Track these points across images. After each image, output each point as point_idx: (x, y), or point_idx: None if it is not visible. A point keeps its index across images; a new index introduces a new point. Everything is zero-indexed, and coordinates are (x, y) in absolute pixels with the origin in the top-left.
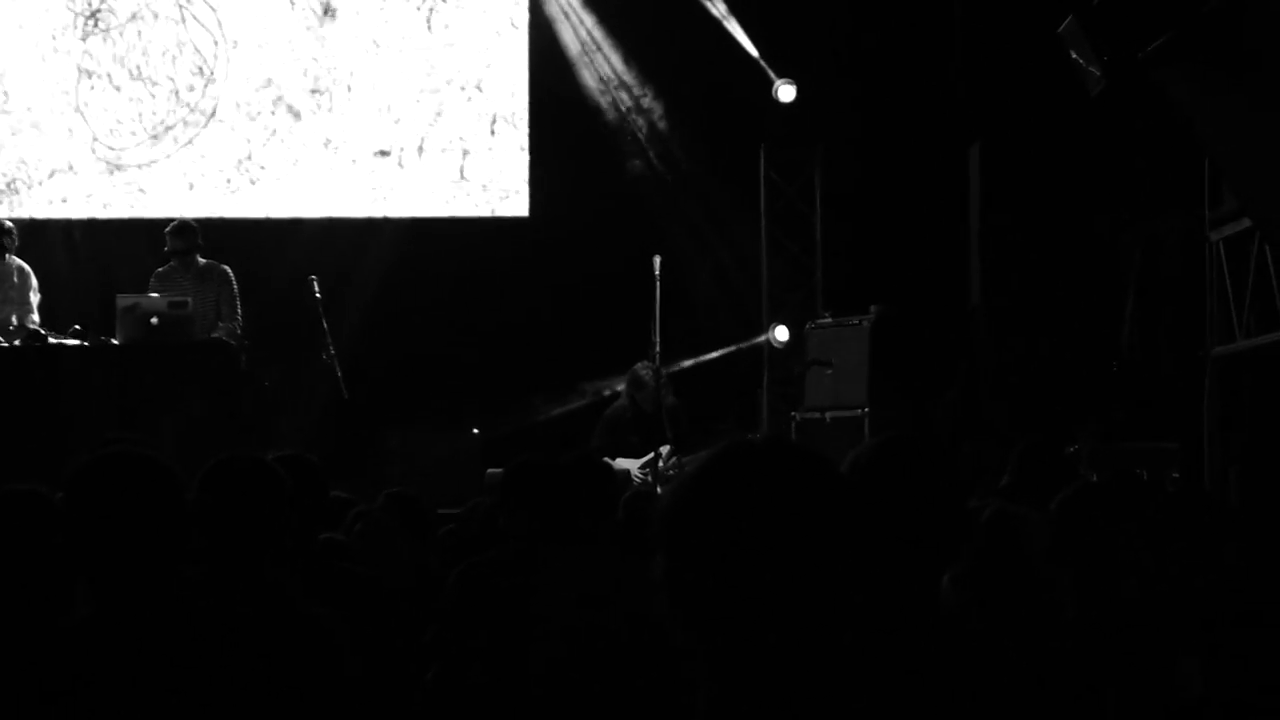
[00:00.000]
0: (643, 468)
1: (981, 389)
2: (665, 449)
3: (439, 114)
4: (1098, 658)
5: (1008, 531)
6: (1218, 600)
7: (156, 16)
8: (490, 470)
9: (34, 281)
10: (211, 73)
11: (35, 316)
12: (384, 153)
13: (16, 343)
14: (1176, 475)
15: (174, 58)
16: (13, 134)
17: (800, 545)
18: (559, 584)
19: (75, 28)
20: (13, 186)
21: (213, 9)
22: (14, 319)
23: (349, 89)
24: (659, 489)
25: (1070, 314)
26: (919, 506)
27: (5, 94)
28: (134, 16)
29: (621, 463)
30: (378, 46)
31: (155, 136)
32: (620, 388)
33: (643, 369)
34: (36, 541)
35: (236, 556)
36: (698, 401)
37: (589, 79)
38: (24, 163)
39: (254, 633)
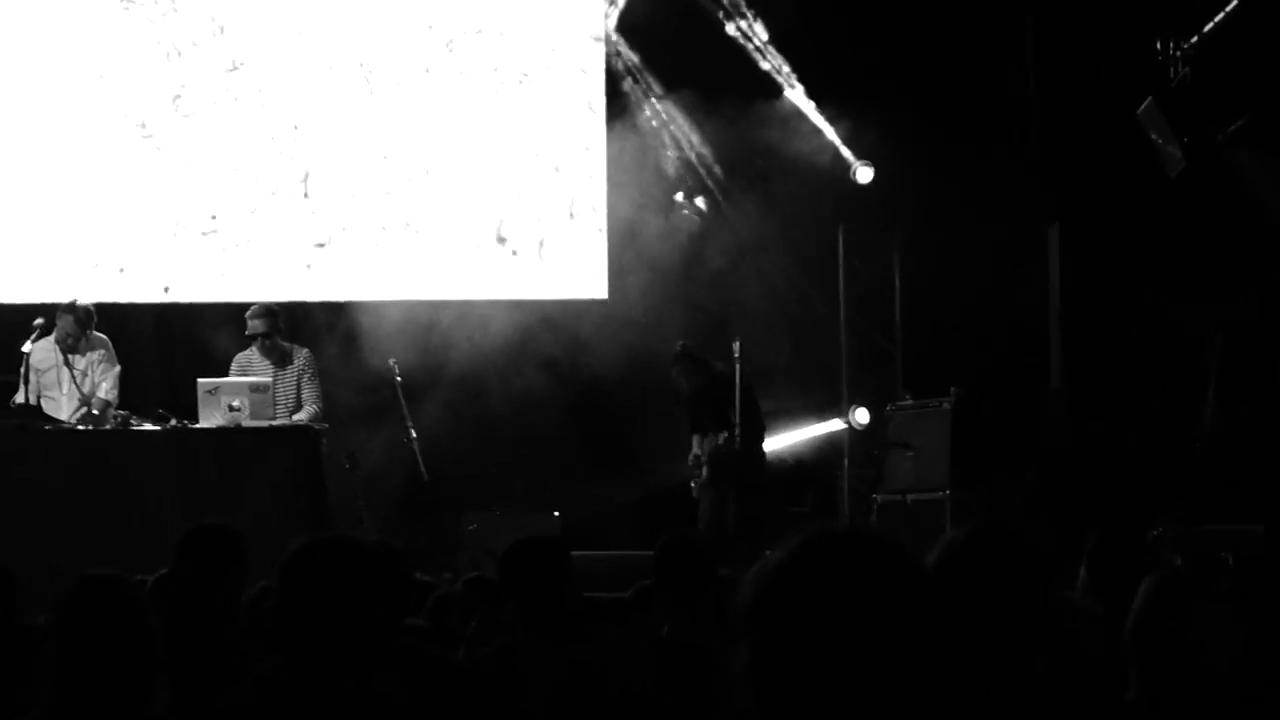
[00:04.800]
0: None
1: (1062, 471)
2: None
3: (519, 197)
4: None
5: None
6: None
7: (236, 100)
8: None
9: (113, 357)
10: (293, 157)
11: (112, 392)
12: (464, 235)
13: (107, 425)
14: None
15: (255, 142)
16: (98, 219)
17: (885, 636)
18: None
19: (160, 112)
20: (98, 271)
21: (293, 93)
22: (98, 394)
23: (428, 172)
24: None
25: (1152, 395)
26: (1009, 595)
27: (94, 180)
28: (214, 103)
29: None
30: (459, 130)
31: (238, 220)
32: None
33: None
34: (121, 628)
35: (319, 641)
36: (777, 483)
37: (666, 161)
38: (108, 247)
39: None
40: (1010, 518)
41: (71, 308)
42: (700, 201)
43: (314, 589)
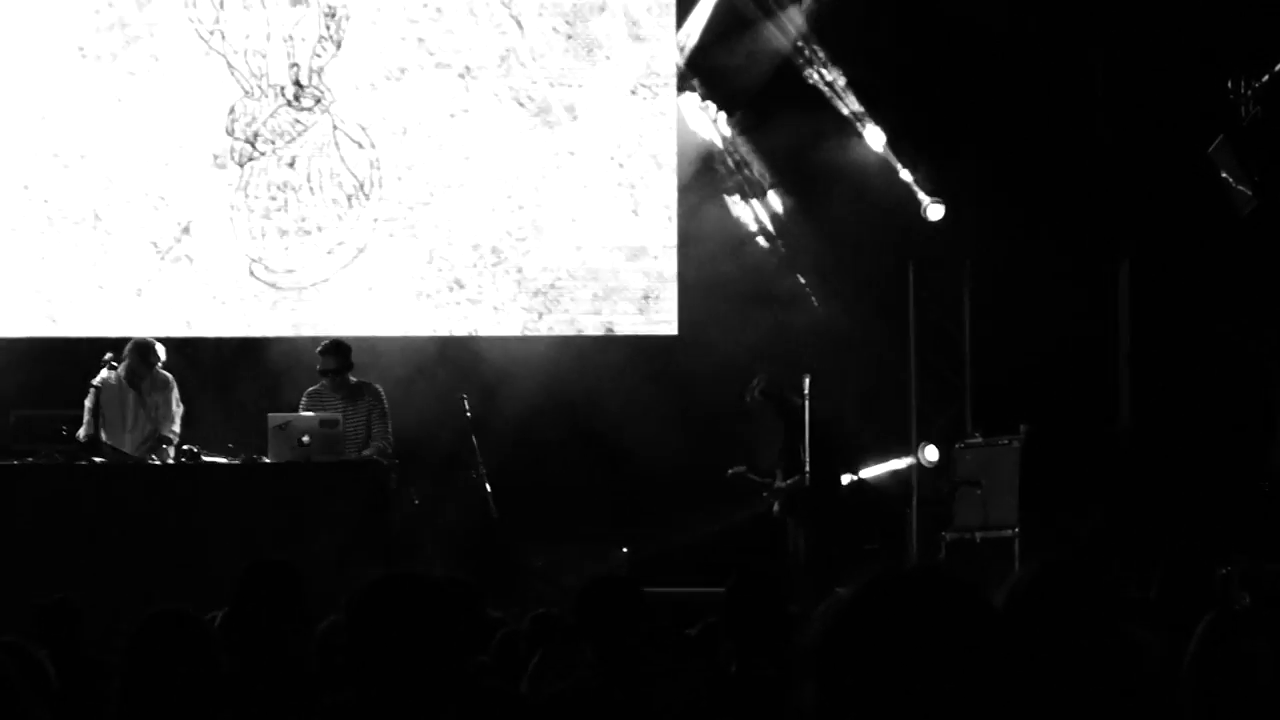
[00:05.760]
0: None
1: (1131, 509)
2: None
3: (588, 238)
4: None
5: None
6: None
7: (316, 142)
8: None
9: (177, 394)
10: (366, 196)
11: (176, 427)
12: (535, 273)
13: (172, 460)
14: None
15: (330, 182)
16: (175, 256)
17: (952, 675)
18: None
19: (234, 152)
20: (169, 306)
21: (365, 130)
22: (162, 431)
23: (495, 209)
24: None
25: (1220, 433)
26: (1076, 635)
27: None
28: (291, 141)
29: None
30: (549, 169)
31: (310, 260)
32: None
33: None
34: (189, 663)
35: (388, 676)
36: (846, 520)
37: (737, 201)
38: (181, 283)
39: None
40: (1078, 556)
41: (139, 345)
42: None
43: (385, 625)
